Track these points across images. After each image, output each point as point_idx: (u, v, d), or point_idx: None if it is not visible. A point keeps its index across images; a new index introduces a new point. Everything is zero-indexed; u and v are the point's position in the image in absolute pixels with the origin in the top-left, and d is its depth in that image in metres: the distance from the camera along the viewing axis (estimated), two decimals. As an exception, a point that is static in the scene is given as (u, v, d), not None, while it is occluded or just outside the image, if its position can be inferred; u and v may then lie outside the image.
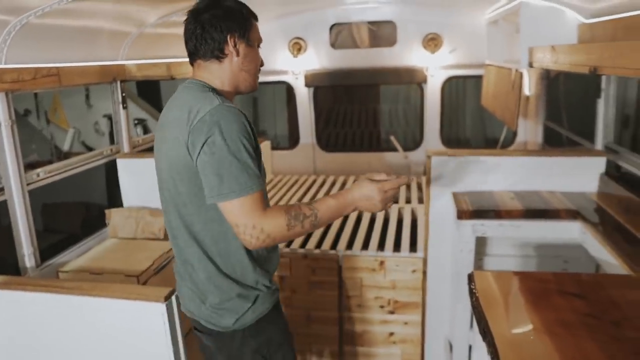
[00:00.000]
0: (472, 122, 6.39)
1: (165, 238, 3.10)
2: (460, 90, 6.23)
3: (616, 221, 2.47)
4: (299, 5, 4.37)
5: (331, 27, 4.71)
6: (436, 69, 4.62)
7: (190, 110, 1.46)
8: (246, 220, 1.41)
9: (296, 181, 4.76)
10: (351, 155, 5.14)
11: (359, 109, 6.34)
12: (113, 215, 3.22)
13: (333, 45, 4.76)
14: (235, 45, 1.58)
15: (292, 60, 4.77)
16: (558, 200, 2.74)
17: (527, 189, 2.93)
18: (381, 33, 4.68)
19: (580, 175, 2.89)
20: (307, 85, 4.83)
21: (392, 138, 4.99)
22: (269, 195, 4.54)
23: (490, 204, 2.73)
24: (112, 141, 4.40)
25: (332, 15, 4.64)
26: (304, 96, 4.93)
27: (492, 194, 2.90)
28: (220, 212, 1.48)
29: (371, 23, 4.65)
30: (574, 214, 2.58)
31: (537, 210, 2.62)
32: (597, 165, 2.87)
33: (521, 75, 3.03)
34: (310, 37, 4.74)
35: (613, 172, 2.86)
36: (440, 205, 3.00)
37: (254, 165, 1.44)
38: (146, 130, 5.92)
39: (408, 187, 4.60)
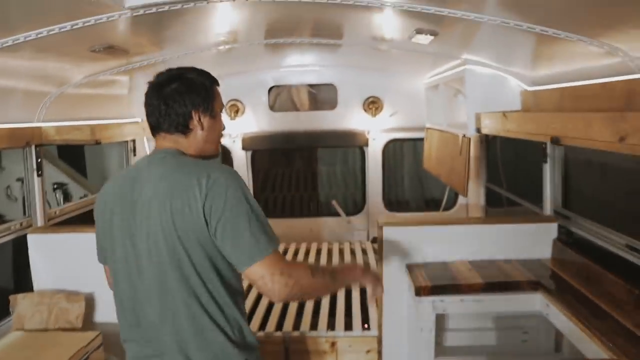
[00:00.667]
0: (410, 184, 6.41)
1: (84, 328, 2.66)
2: (398, 151, 6.26)
3: (577, 291, 2.38)
4: (236, 66, 4.22)
5: (270, 90, 4.59)
6: (377, 132, 4.58)
7: (198, 176, 1.42)
8: (273, 269, 1.40)
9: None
10: (292, 222, 4.89)
11: (298, 173, 6.19)
12: (19, 302, 2.73)
13: (272, 107, 4.62)
14: (199, 119, 1.55)
15: (229, 122, 4.56)
16: (517, 270, 2.63)
17: (483, 258, 2.81)
18: (322, 96, 4.62)
19: (534, 241, 2.83)
20: (245, 148, 4.62)
21: (334, 202, 4.83)
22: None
23: (448, 277, 2.57)
24: (25, 209, 3.90)
25: (271, 77, 4.54)
26: (241, 160, 4.70)
27: (449, 265, 2.75)
28: (226, 276, 1.48)
29: (311, 86, 4.59)
30: (534, 286, 2.47)
31: (498, 283, 2.48)
32: (549, 231, 2.82)
33: (469, 141, 2.99)
34: (248, 100, 4.58)
35: (565, 238, 2.81)
36: (394, 279, 2.80)
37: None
38: (67, 197, 5.37)
39: (353, 253, 4.41)
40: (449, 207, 4.82)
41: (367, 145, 4.62)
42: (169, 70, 1.57)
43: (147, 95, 1.55)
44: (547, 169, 2.96)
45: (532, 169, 4.48)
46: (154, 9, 1.86)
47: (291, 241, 4.48)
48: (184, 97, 1.51)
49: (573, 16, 1.76)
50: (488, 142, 4.49)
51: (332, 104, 4.58)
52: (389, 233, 2.81)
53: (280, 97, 4.63)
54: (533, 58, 2.57)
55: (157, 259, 1.44)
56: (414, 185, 6.43)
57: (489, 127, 2.73)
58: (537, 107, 2.68)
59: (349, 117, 4.55)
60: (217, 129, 1.62)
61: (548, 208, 2.98)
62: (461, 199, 4.77)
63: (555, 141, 1.88)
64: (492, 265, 2.73)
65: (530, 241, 2.83)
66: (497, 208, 4.71)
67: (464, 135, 3.07)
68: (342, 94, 4.54)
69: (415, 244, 2.83)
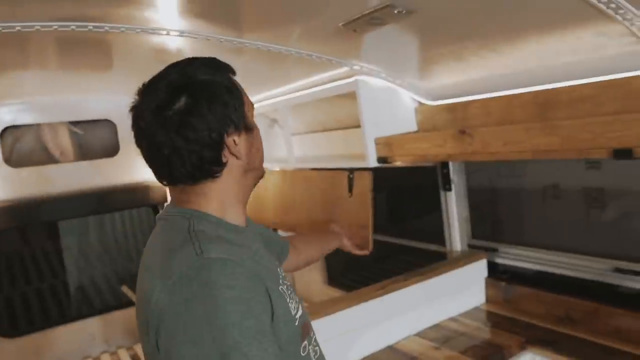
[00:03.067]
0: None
1: None
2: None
3: (569, 336, 1.92)
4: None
5: (3, 132, 2.88)
6: (178, 181, 3.40)
7: (163, 262, 0.88)
8: None
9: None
10: (52, 335, 3.12)
11: (61, 254, 4.22)
12: None
13: (8, 161, 2.91)
14: (234, 144, 0.94)
15: None
16: (479, 330, 2.04)
17: (427, 326, 2.13)
18: (92, 139, 3.15)
19: (465, 287, 2.30)
20: (-35, 230, 2.78)
21: (125, 288, 3.37)
22: None
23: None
24: None
25: (5, 111, 2.85)
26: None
27: (400, 350, 1.96)
28: None
29: (75, 124, 3.07)
30: (520, 343, 1.91)
31: (487, 357, 1.83)
32: (477, 270, 2.34)
33: (369, 176, 2.26)
34: (-39, 151, 2.78)
35: (494, 273, 2.38)
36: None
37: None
38: None
39: None
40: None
41: (166, 200, 3.38)
42: (162, 76, 0.90)
43: (140, 129, 0.91)
44: (452, 197, 2.49)
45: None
46: None
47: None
48: (207, 118, 0.88)
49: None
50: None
51: (110, 150, 3.15)
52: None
53: (22, 144, 2.95)
54: (441, 60, 2.02)
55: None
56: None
57: (414, 153, 2.07)
58: (446, 125, 2.16)
59: (136, 166, 3.21)
60: (257, 144, 1.01)
61: (458, 243, 2.51)
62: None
63: (621, 154, 1.33)
64: (450, 333, 2.06)
65: (463, 288, 2.30)
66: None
67: (355, 170, 2.32)
68: (125, 134, 3.16)
69: (345, 335, 1.93)
